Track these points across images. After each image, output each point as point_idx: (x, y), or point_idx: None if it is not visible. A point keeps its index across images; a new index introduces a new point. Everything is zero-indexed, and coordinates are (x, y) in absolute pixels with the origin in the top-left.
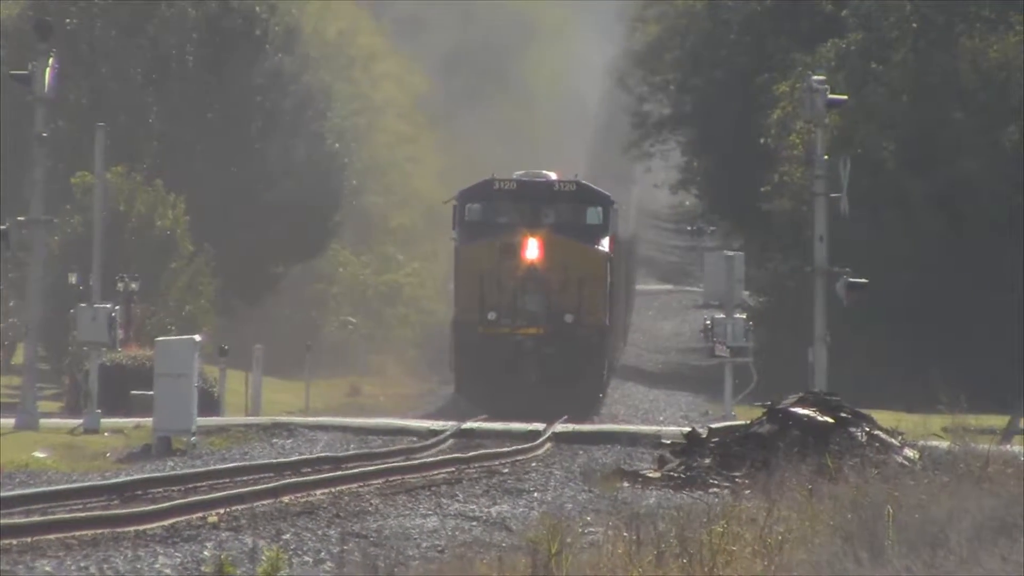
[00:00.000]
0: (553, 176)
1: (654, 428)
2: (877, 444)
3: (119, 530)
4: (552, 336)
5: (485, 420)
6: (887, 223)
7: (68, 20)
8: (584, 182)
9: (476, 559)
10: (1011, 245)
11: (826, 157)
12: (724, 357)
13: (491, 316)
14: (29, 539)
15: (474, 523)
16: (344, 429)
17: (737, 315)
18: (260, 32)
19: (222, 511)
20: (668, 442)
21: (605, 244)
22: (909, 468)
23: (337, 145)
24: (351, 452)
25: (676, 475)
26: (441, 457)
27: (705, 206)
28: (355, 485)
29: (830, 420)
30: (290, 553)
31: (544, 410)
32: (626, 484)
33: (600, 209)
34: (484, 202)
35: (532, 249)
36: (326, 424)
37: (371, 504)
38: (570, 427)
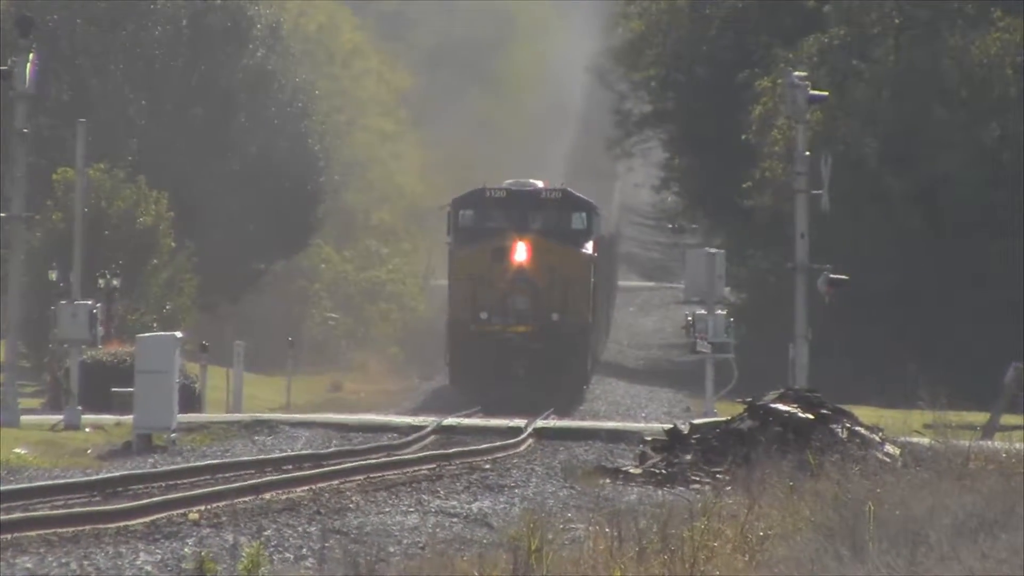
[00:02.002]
0: (540, 184)
1: (636, 424)
2: (858, 440)
3: (100, 527)
4: (540, 333)
5: (467, 416)
6: (868, 220)
7: (48, 17)
8: (570, 190)
9: (457, 556)
10: (991, 242)
11: (807, 153)
12: (705, 353)
13: (483, 315)
14: (10, 536)
15: (455, 520)
16: (325, 426)
17: (718, 311)
18: (245, 28)
19: (203, 508)
20: (649, 438)
21: (589, 247)
22: (890, 464)
23: (319, 143)
24: (332, 449)
25: (657, 471)
26: (422, 454)
27: (686, 203)
28: (336, 482)
29: (811, 416)
30: (271, 550)
31: (533, 401)
32: (607, 480)
33: (584, 214)
34: (476, 209)
35: (521, 252)
36: (307, 421)
37: (352, 501)
38: (551, 423)
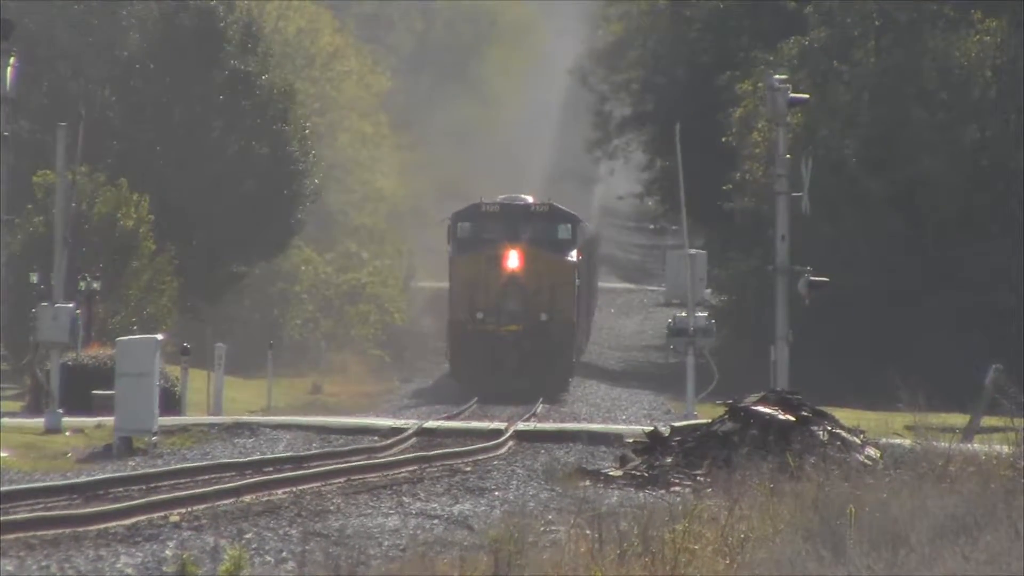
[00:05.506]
0: (530, 199)
1: (616, 427)
2: (839, 443)
3: (81, 530)
4: (530, 332)
5: (447, 419)
6: (848, 222)
7: (27, 18)
8: (556, 204)
9: (438, 558)
10: (970, 244)
11: (788, 156)
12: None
13: (479, 315)
14: None
15: (436, 522)
16: (306, 428)
17: (699, 313)
18: (219, 29)
19: (184, 510)
20: (630, 440)
21: (573, 255)
22: (871, 467)
23: (300, 146)
24: (313, 451)
25: (638, 474)
26: (403, 456)
27: (667, 205)
28: (317, 484)
29: (792, 419)
30: (252, 552)
31: (524, 391)
32: (588, 483)
33: (569, 226)
34: (473, 221)
35: (513, 260)
36: (288, 423)
37: (333, 503)
38: (532, 426)
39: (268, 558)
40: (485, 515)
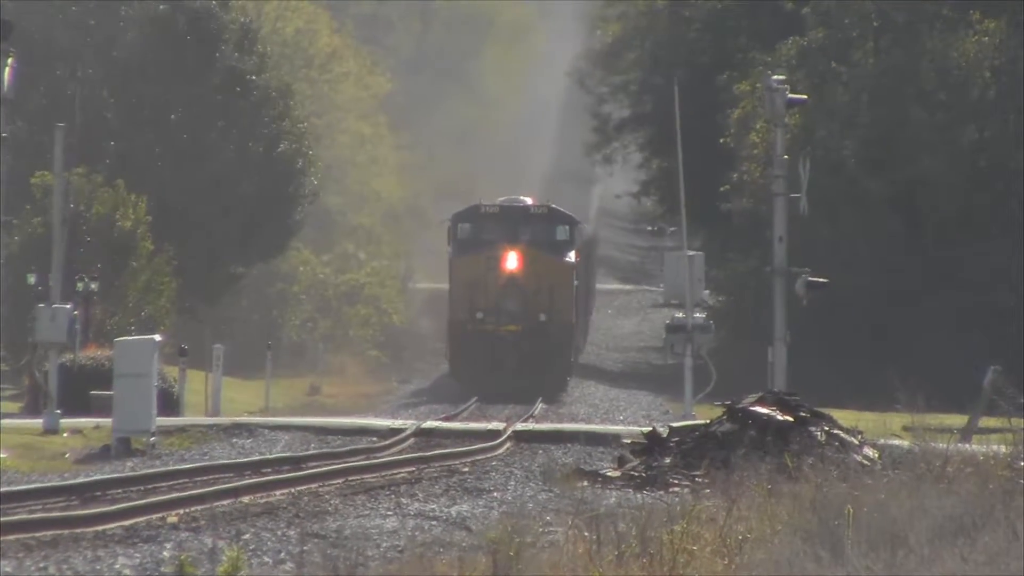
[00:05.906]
0: (529, 201)
1: (615, 427)
2: (837, 443)
3: (78, 531)
4: (529, 332)
5: (445, 419)
6: (846, 222)
7: (26, 21)
8: (554, 206)
9: (436, 559)
10: (969, 244)
11: (786, 156)
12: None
13: (479, 316)
14: None
15: (434, 523)
16: (304, 429)
17: (697, 314)
18: (216, 29)
19: (182, 511)
20: (628, 441)
21: (571, 256)
22: (869, 467)
23: (298, 147)
24: (311, 452)
25: (636, 474)
26: (401, 456)
27: (665, 206)
28: (315, 485)
29: (790, 419)
30: (250, 553)
31: (522, 391)
32: (586, 484)
33: (567, 227)
34: (473, 222)
35: (512, 261)
36: (286, 424)
37: (331, 504)
38: (530, 426)
39: (266, 559)
40: (483, 516)
